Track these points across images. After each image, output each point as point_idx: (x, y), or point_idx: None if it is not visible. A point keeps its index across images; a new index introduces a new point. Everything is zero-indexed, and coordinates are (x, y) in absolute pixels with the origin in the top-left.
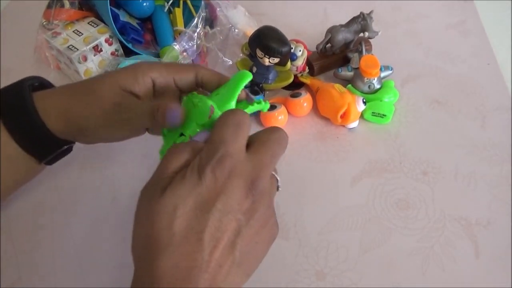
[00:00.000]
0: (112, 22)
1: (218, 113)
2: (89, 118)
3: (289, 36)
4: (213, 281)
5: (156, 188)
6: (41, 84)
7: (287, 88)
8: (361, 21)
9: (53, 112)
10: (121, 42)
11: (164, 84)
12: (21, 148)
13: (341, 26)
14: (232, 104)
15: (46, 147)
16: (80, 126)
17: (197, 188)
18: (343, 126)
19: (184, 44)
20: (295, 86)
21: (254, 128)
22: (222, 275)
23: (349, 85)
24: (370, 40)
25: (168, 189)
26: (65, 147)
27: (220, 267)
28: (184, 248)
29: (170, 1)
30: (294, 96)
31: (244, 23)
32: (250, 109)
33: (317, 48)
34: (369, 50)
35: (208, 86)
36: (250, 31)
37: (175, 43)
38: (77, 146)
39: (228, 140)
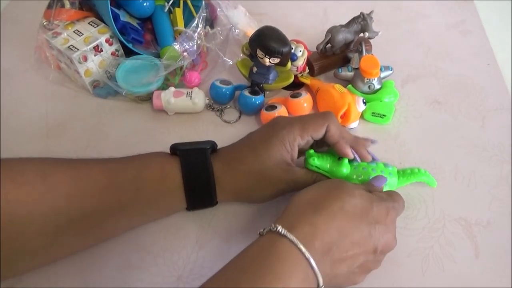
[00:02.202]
0: (113, 22)
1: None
2: (263, 196)
3: (289, 36)
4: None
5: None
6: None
7: (287, 88)
8: (361, 21)
9: (228, 188)
10: (121, 42)
11: (306, 144)
12: (186, 206)
13: (341, 26)
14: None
15: (206, 206)
16: (250, 200)
17: (374, 204)
18: (343, 126)
19: (184, 44)
20: (295, 86)
21: (254, 128)
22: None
23: (349, 85)
24: (370, 40)
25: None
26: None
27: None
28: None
29: (170, 1)
30: (294, 96)
31: (244, 23)
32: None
33: (317, 48)
34: (369, 50)
35: (330, 139)
36: (251, 31)
37: (175, 43)
38: (77, 147)
39: (398, 206)
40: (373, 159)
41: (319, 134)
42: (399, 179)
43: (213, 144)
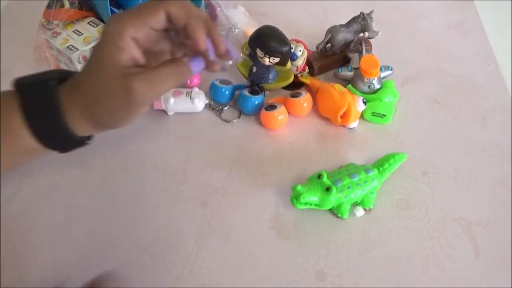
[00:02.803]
0: None
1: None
2: (112, 114)
3: (289, 36)
4: None
5: None
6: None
7: (287, 88)
8: (361, 21)
9: (78, 115)
10: None
11: (146, 36)
12: (40, 144)
13: (341, 26)
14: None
15: (67, 144)
16: (107, 123)
17: None
18: (343, 126)
19: None
20: (295, 86)
21: (254, 128)
22: None
23: (349, 85)
24: (370, 40)
25: None
26: (86, 142)
27: None
28: None
29: None
30: (294, 96)
31: (244, 23)
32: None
33: (317, 48)
34: (369, 50)
35: (177, 23)
36: (250, 31)
37: None
38: None
39: None
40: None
41: (158, 20)
42: (382, 177)
43: (61, 73)
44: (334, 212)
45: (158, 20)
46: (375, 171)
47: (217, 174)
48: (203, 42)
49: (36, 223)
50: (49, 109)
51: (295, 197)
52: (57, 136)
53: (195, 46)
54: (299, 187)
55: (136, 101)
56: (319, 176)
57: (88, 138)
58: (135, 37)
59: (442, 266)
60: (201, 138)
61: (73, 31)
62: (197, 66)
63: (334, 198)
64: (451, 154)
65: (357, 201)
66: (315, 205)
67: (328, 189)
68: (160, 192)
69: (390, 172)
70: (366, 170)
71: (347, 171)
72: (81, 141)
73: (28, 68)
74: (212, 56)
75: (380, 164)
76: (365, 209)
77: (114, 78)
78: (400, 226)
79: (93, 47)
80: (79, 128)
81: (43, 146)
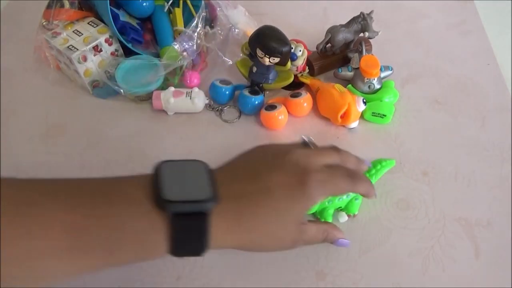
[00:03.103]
0: (112, 22)
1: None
2: (263, 249)
3: (289, 36)
4: None
5: None
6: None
7: (287, 88)
8: (361, 21)
9: (223, 241)
10: (121, 42)
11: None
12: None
13: (341, 26)
14: None
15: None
16: (248, 250)
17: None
18: (343, 126)
19: (184, 44)
20: (295, 86)
21: (254, 128)
22: None
23: (349, 85)
24: (370, 40)
25: None
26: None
27: None
28: None
29: (170, 1)
30: (294, 96)
31: (244, 23)
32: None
33: (317, 48)
34: (369, 50)
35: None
36: (250, 31)
37: (175, 43)
38: (76, 147)
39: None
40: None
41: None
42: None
43: (214, 190)
44: (317, 217)
45: (343, 193)
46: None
47: None
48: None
49: None
50: (201, 236)
51: None
52: (193, 252)
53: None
54: None
55: (298, 244)
56: None
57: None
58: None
59: (442, 266)
60: (201, 138)
61: (73, 31)
62: (343, 243)
63: (331, 211)
64: (451, 154)
65: (341, 207)
66: (314, 212)
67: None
68: None
69: (377, 178)
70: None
71: None
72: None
73: (28, 68)
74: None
75: (368, 170)
76: (349, 215)
77: (290, 231)
78: (400, 226)
79: (266, 180)
80: (217, 245)
81: (173, 255)
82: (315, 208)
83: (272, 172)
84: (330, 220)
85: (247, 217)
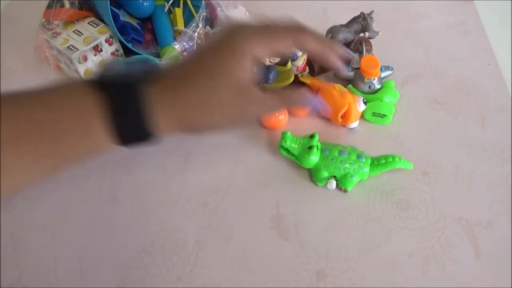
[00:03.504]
0: (112, 22)
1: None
2: (215, 127)
3: None
4: None
5: None
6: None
7: (287, 88)
8: (361, 21)
9: (171, 121)
10: (121, 42)
11: (264, 56)
12: (117, 142)
13: (342, 26)
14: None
15: (141, 142)
16: (197, 130)
17: None
18: (344, 126)
19: (184, 44)
20: (296, 86)
21: (254, 128)
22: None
23: (350, 85)
24: (370, 40)
25: None
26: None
27: None
28: None
29: (170, 1)
30: None
31: None
32: None
33: None
34: (369, 50)
35: (307, 50)
36: None
37: (175, 43)
38: None
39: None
40: (342, 152)
41: (286, 46)
42: (372, 169)
43: (151, 70)
44: (311, 176)
45: (287, 46)
46: (367, 160)
47: (217, 174)
48: (337, 63)
49: (36, 223)
50: (138, 110)
51: (280, 139)
52: (138, 135)
53: (333, 66)
54: (288, 134)
55: (244, 121)
56: (312, 136)
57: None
58: (257, 56)
59: (442, 266)
60: (201, 138)
61: (73, 31)
62: (315, 104)
63: (314, 158)
64: (451, 154)
65: (336, 176)
66: (295, 158)
67: (310, 147)
68: (160, 192)
69: (383, 169)
70: (359, 155)
71: (342, 148)
72: (153, 140)
73: (28, 68)
74: (343, 68)
75: (378, 158)
76: (340, 189)
77: (229, 94)
78: (400, 226)
79: (197, 54)
80: (163, 128)
81: (120, 143)
82: (312, 164)
83: (205, 47)
84: (320, 184)
85: (181, 89)
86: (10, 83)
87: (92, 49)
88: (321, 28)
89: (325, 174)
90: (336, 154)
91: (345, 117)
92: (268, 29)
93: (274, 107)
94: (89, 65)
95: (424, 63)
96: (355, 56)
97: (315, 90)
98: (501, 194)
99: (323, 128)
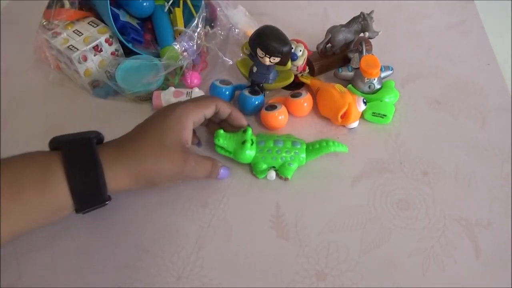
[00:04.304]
0: (112, 22)
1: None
2: (162, 180)
3: (289, 36)
4: None
5: None
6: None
7: (287, 88)
8: (361, 21)
9: (122, 176)
10: (121, 42)
11: (198, 122)
12: (73, 199)
13: (342, 26)
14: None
15: (95, 202)
16: (152, 180)
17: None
18: (344, 126)
19: (184, 44)
20: (295, 86)
21: (254, 128)
22: None
23: (350, 85)
24: (370, 40)
25: None
26: (107, 202)
27: None
28: None
29: (170, 1)
30: (294, 96)
31: (244, 23)
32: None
33: (317, 48)
34: (369, 50)
35: (222, 114)
36: (251, 31)
37: (175, 43)
38: None
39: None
40: (278, 141)
41: (210, 111)
42: (308, 154)
43: (98, 135)
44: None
45: (211, 110)
46: (302, 146)
47: None
48: (245, 122)
49: None
50: (92, 164)
51: (214, 138)
52: (92, 190)
53: (240, 125)
54: (221, 131)
55: (185, 172)
56: (245, 130)
57: (109, 198)
58: (194, 121)
59: (443, 266)
60: (201, 138)
61: (73, 31)
62: (225, 173)
63: (249, 153)
64: (451, 154)
65: (275, 166)
66: (232, 154)
67: (243, 142)
68: (160, 192)
69: (319, 154)
70: (294, 142)
71: (277, 137)
72: (105, 200)
73: (28, 68)
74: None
75: (313, 143)
76: (281, 177)
77: (177, 149)
78: (400, 226)
79: (145, 120)
80: (116, 183)
81: (75, 201)
82: (249, 159)
83: (152, 115)
84: (260, 176)
85: (129, 146)
86: (10, 83)
87: (92, 49)
88: (321, 28)
89: (264, 166)
90: (271, 145)
91: (345, 117)
92: (196, 100)
93: (202, 170)
94: (89, 65)
95: (424, 63)
96: (355, 56)
97: (315, 90)
98: (501, 194)
99: (323, 128)
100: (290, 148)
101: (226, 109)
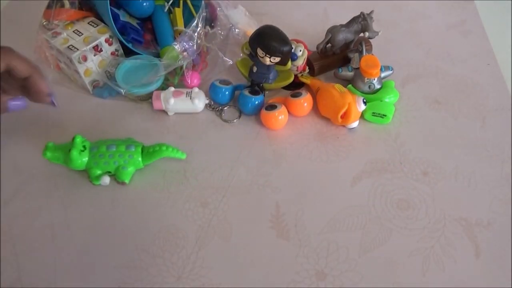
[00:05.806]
0: (112, 22)
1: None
2: None
3: (289, 36)
4: None
5: None
6: None
7: (287, 88)
8: (361, 21)
9: None
10: (121, 42)
11: None
12: None
13: (342, 26)
14: None
15: None
16: None
17: None
18: (344, 126)
19: (184, 44)
20: (296, 86)
21: (254, 128)
22: None
23: (350, 85)
24: (370, 40)
25: None
26: None
27: None
28: None
29: (170, 1)
30: (294, 96)
31: (244, 23)
32: None
33: (317, 48)
34: (369, 50)
35: (19, 73)
36: (251, 30)
37: (175, 43)
38: None
39: None
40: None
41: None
42: (144, 158)
43: None
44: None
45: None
46: (137, 149)
47: (217, 174)
48: (45, 90)
49: (36, 223)
50: None
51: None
52: None
53: (37, 91)
54: (49, 144)
55: None
56: (73, 138)
57: None
58: None
59: (442, 266)
60: (201, 138)
61: (73, 31)
62: (16, 105)
63: (78, 160)
64: (451, 154)
65: (110, 171)
66: (63, 162)
67: (69, 151)
68: (160, 192)
69: (155, 157)
70: (128, 145)
71: (111, 142)
72: None
73: None
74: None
75: (149, 146)
76: (118, 182)
77: None
78: (400, 226)
79: None
80: None
81: None
82: (81, 166)
83: None
84: (96, 182)
85: None
86: None
87: (92, 49)
88: (321, 28)
89: (98, 171)
90: (104, 150)
91: (345, 117)
92: None
93: None
94: (89, 65)
95: (424, 63)
96: (355, 56)
97: (315, 90)
98: (501, 194)
99: (323, 128)
100: (124, 152)
101: (23, 70)
